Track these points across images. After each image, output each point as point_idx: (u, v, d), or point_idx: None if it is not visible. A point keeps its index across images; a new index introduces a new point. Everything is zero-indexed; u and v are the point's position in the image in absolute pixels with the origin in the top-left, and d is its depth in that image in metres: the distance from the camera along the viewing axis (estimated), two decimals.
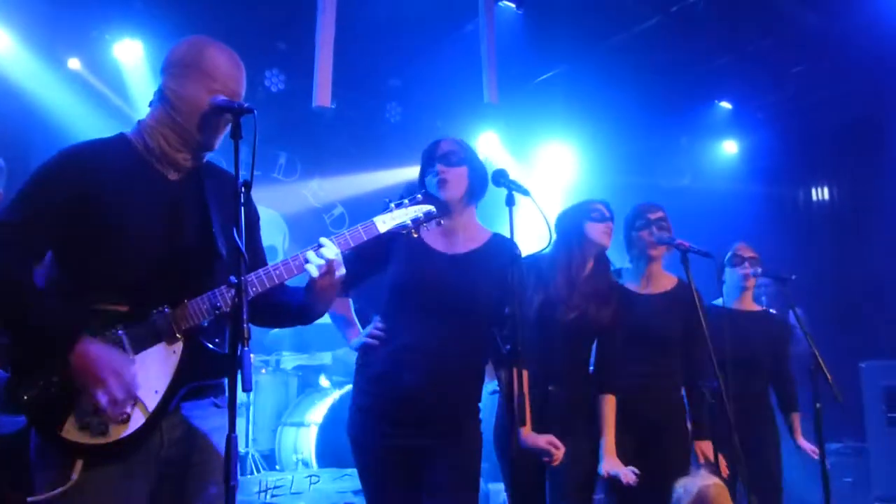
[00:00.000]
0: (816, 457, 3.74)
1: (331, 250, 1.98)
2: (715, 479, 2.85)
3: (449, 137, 2.77)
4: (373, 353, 2.63)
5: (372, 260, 2.62)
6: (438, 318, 2.55)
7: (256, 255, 2.16)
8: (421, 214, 2.12)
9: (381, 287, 2.69)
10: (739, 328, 3.63)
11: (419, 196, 2.15)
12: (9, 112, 5.24)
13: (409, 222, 2.11)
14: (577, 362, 3.10)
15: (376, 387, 2.59)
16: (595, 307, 3.07)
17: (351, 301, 2.88)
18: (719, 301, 3.97)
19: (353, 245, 2.05)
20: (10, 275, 1.86)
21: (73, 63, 5.76)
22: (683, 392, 3.35)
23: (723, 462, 3.16)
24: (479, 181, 2.72)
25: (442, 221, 2.21)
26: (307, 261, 1.97)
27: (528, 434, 2.65)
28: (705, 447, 3.25)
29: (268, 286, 1.98)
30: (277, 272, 1.99)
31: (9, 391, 1.85)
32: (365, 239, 2.07)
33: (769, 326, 3.93)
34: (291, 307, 2.11)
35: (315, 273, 1.97)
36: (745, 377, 3.60)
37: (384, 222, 2.09)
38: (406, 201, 2.13)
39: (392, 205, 2.12)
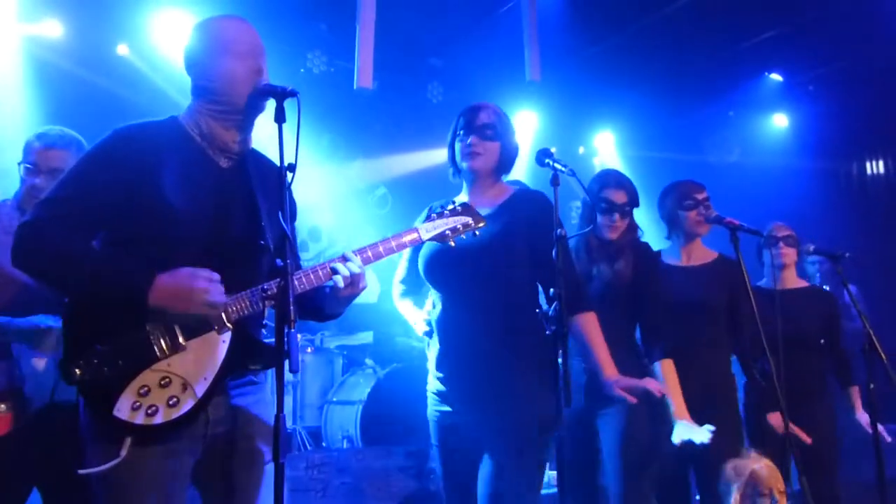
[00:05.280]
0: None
1: (355, 265, 2.06)
2: (766, 461, 2.81)
3: (490, 106, 2.69)
4: (433, 336, 2.65)
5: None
6: (475, 281, 2.53)
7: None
8: (459, 226, 2.27)
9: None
10: (787, 306, 3.56)
11: (458, 207, 2.30)
12: (64, 99, 5.34)
13: (448, 232, 2.26)
14: (618, 337, 2.92)
15: (437, 368, 2.62)
16: (609, 266, 3.05)
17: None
18: (762, 282, 3.91)
19: (396, 251, 2.18)
20: (64, 245, 1.90)
21: (122, 49, 5.83)
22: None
23: (801, 433, 3.18)
24: (509, 158, 2.70)
25: (477, 232, 2.31)
26: (335, 271, 2.04)
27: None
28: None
29: (298, 291, 1.99)
30: (308, 278, 2.04)
31: (63, 368, 1.88)
32: (408, 247, 2.28)
33: (817, 302, 3.86)
34: (306, 305, 2.15)
35: (342, 284, 2.04)
36: (798, 355, 3.53)
37: (427, 231, 2.25)
38: (447, 211, 2.29)
39: (434, 214, 2.30)
